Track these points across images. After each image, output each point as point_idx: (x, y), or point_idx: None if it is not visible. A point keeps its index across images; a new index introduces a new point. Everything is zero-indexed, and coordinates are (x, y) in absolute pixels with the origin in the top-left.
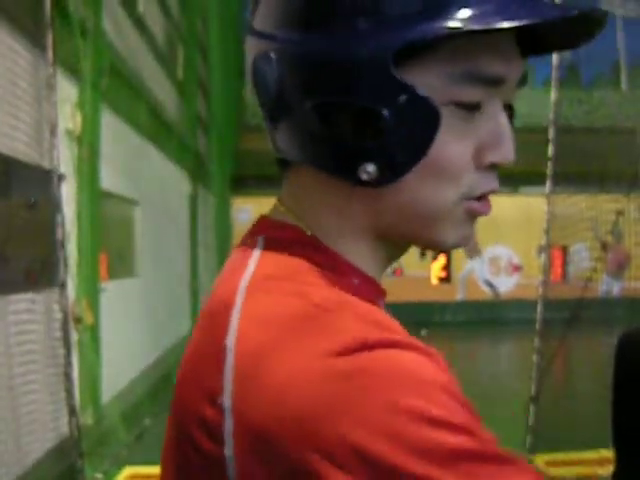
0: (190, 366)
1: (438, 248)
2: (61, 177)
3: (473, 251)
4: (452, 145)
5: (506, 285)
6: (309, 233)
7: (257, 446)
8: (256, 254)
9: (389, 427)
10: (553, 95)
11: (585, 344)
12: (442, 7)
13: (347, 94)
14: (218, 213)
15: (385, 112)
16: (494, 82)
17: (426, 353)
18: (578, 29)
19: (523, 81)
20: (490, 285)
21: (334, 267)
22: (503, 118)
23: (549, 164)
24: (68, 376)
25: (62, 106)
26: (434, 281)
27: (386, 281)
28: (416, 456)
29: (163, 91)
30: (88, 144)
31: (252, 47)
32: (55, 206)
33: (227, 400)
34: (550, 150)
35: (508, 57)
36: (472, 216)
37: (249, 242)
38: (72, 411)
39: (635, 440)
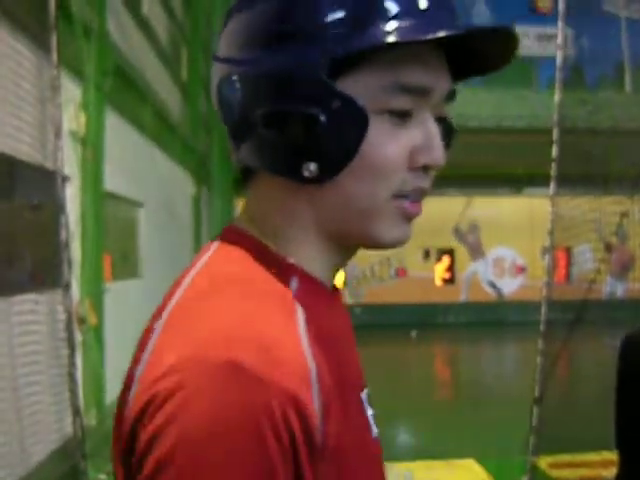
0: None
1: (376, 245)
2: (65, 178)
3: (477, 252)
4: (387, 147)
5: (510, 286)
6: (261, 238)
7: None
8: (205, 257)
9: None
10: (557, 96)
11: (589, 346)
12: (366, 24)
13: (293, 103)
14: (222, 214)
15: (322, 117)
16: (420, 92)
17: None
18: (499, 47)
19: (451, 96)
20: (494, 286)
21: (274, 272)
22: (433, 126)
23: (553, 165)
24: (72, 377)
25: (66, 107)
26: (438, 282)
27: (390, 282)
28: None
29: (167, 92)
30: (92, 145)
31: (216, 73)
32: (59, 207)
33: (139, 371)
34: (554, 151)
35: (434, 70)
36: (406, 217)
37: (211, 244)
38: (76, 412)
39: (638, 441)
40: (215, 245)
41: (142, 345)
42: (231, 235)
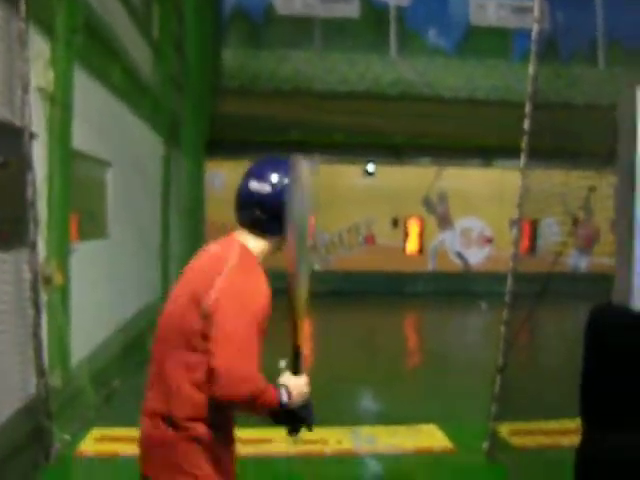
0: (203, 271)
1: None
2: (32, 135)
3: (445, 222)
4: None
5: (477, 257)
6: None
7: (217, 305)
8: (237, 247)
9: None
10: (531, 69)
11: (552, 317)
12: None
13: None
14: (191, 175)
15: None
16: None
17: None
18: None
19: None
20: (461, 257)
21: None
22: None
23: (524, 138)
24: (37, 337)
25: (34, 63)
26: (407, 251)
27: (359, 249)
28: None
29: (138, 50)
30: (60, 102)
31: (260, 191)
32: (26, 165)
33: (216, 286)
34: (526, 124)
35: None
36: None
37: (231, 241)
38: (41, 372)
39: (603, 409)
40: (237, 245)
41: (211, 271)
42: (243, 246)
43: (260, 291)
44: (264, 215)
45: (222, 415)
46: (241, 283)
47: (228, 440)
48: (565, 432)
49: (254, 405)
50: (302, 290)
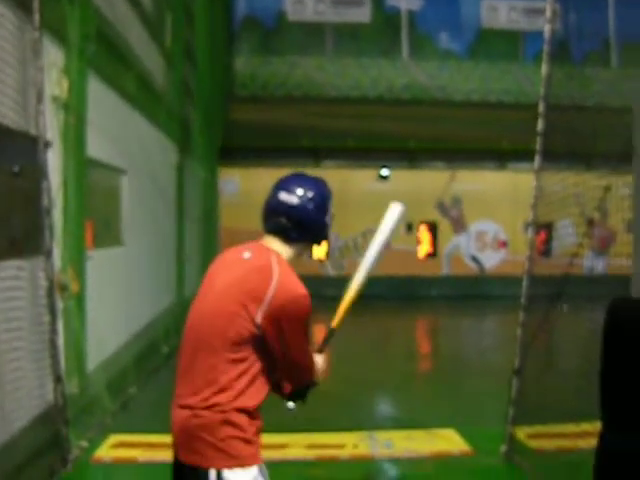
0: (247, 279)
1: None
2: (47, 144)
3: (459, 226)
4: None
5: (492, 260)
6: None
7: (274, 314)
8: (273, 255)
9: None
10: (544, 70)
11: (569, 320)
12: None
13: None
14: (205, 183)
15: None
16: None
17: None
18: None
19: None
20: (476, 260)
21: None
22: None
23: (538, 139)
24: (53, 344)
25: (48, 72)
26: (422, 255)
27: None
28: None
29: (150, 59)
30: (74, 111)
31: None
32: (41, 173)
33: (269, 295)
34: (540, 125)
35: None
36: None
37: (262, 248)
38: (57, 379)
39: (624, 406)
40: (273, 253)
41: (258, 278)
42: (275, 252)
43: (306, 293)
44: (290, 223)
45: (259, 406)
46: (294, 289)
47: (258, 429)
48: (583, 435)
49: (309, 385)
50: (359, 287)
